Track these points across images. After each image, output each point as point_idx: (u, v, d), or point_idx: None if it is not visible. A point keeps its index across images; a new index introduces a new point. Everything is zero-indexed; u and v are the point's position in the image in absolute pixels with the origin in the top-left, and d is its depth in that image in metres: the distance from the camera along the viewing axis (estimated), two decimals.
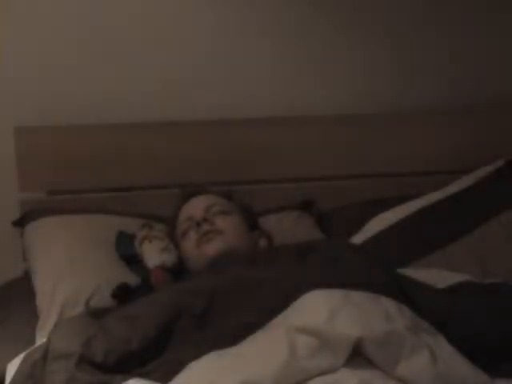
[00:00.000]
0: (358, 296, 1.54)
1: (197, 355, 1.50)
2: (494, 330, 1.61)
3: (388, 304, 1.54)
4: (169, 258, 2.00)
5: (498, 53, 2.64)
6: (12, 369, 1.63)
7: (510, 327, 1.62)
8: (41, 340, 1.74)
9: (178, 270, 2.00)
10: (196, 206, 2.04)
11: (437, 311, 1.60)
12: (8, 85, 2.29)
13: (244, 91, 2.46)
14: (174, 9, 2.38)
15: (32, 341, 1.80)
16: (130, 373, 1.51)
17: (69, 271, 1.97)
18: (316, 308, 1.50)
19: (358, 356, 1.44)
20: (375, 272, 1.70)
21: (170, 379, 1.47)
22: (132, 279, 1.97)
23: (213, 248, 1.93)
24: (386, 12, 2.53)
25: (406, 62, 2.58)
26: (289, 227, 2.27)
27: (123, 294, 1.89)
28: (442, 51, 2.59)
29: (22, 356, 1.65)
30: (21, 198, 2.29)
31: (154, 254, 2.00)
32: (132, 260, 2.04)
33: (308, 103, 2.51)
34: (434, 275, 1.89)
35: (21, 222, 2.22)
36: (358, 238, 2.21)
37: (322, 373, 1.40)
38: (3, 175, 2.32)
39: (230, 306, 1.61)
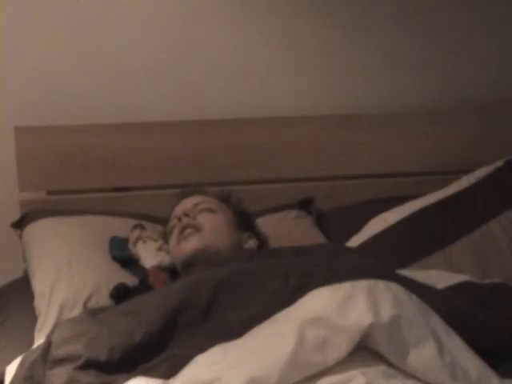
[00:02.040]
0: (366, 283, 1.53)
1: (202, 349, 1.49)
2: (493, 330, 1.61)
3: (397, 290, 1.53)
4: (165, 258, 2.00)
5: (498, 53, 2.65)
6: (10, 372, 1.63)
7: (510, 327, 1.62)
8: (39, 341, 1.73)
9: (175, 270, 2.00)
10: (183, 205, 2.06)
11: (437, 311, 1.59)
12: (8, 85, 2.29)
13: (244, 92, 2.46)
14: (170, 9, 2.38)
15: (31, 342, 1.80)
16: (135, 368, 1.50)
17: (67, 272, 1.97)
18: (325, 301, 1.49)
19: (363, 351, 1.43)
20: (377, 268, 1.70)
21: (175, 373, 1.46)
22: (130, 280, 1.97)
23: (189, 245, 1.94)
24: (385, 12, 2.53)
25: (406, 62, 2.58)
26: (288, 227, 2.27)
27: (121, 295, 1.89)
28: (442, 51, 2.59)
29: (19, 359, 1.64)
30: (21, 198, 2.29)
31: (150, 254, 2.01)
32: (127, 262, 2.04)
33: (308, 103, 2.52)
34: (434, 276, 1.89)
35: (20, 224, 2.22)
36: (357, 239, 2.21)
37: (330, 366, 1.39)
38: (3, 175, 2.32)
39: (235, 298, 1.60)
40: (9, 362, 1.67)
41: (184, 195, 2.11)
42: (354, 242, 2.21)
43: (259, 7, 2.43)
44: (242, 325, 1.53)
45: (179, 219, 1.99)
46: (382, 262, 1.80)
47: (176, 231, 1.98)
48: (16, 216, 2.26)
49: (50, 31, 2.30)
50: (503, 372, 1.51)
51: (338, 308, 1.45)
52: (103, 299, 1.91)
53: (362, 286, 1.51)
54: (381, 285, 1.53)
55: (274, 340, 1.43)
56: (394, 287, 1.54)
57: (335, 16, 2.49)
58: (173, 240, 2.00)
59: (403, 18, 2.55)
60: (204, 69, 2.43)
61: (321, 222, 2.38)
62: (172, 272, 1.99)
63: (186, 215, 1.99)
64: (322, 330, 1.42)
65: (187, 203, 2.05)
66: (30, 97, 2.32)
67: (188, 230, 1.96)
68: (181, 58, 2.41)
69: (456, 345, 1.47)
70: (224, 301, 1.61)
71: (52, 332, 1.64)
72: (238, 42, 2.44)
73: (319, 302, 1.50)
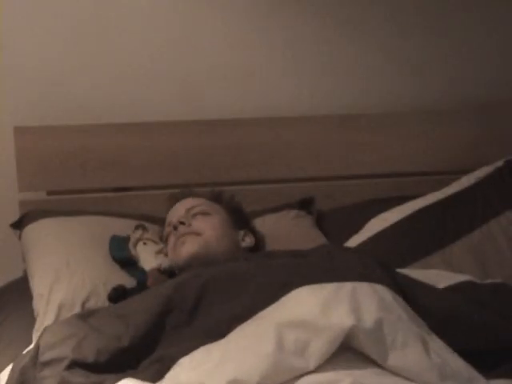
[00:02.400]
0: (351, 285, 1.52)
1: (187, 350, 1.49)
2: (493, 331, 1.61)
3: (383, 292, 1.53)
4: (165, 261, 2.00)
5: (498, 53, 2.65)
6: (2, 379, 1.62)
7: (510, 327, 1.62)
8: None
9: (174, 273, 2.00)
10: (176, 212, 2.05)
11: (437, 311, 1.59)
12: (8, 85, 2.29)
13: (244, 92, 2.46)
14: (170, 9, 2.38)
15: (29, 343, 1.77)
16: (123, 371, 1.50)
17: (66, 273, 1.96)
18: (307, 301, 1.49)
19: (348, 351, 1.43)
20: (373, 268, 1.70)
21: (162, 377, 1.47)
22: (129, 281, 1.97)
23: (186, 250, 1.93)
24: (385, 12, 2.53)
25: (406, 62, 2.58)
26: (287, 227, 2.27)
27: (119, 296, 1.88)
28: (442, 51, 2.59)
29: (11, 366, 1.63)
30: (20, 198, 2.29)
31: (150, 257, 2.01)
32: (126, 262, 2.04)
33: (308, 103, 2.51)
34: (434, 276, 1.89)
35: (19, 224, 2.22)
36: (357, 239, 2.21)
37: (312, 368, 1.39)
38: (3, 175, 2.32)
39: (221, 298, 1.61)
40: (8, 361, 1.67)
41: (175, 199, 2.10)
42: (354, 241, 2.21)
43: (259, 7, 2.43)
44: (226, 324, 1.53)
45: (174, 228, 1.98)
46: (381, 261, 1.80)
47: (173, 239, 1.98)
48: (15, 216, 2.26)
49: (50, 31, 2.30)
50: (503, 372, 1.51)
51: (319, 309, 1.45)
52: (101, 300, 1.90)
53: (346, 288, 1.51)
54: (366, 287, 1.52)
55: (254, 341, 1.43)
56: (380, 289, 1.53)
57: (335, 16, 2.49)
58: (170, 247, 1.99)
59: (403, 18, 2.54)
60: (204, 69, 2.43)
61: (321, 222, 2.37)
62: (171, 275, 1.98)
63: (182, 223, 1.98)
64: (302, 333, 1.42)
65: (180, 209, 2.04)
66: (29, 97, 2.32)
67: (185, 236, 1.96)
68: (181, 58, 2.41)
69: (442, 347, 1.47)
70: (210, 300, 1.62)
71: (41, 336, 1.63)
72: (238, 42, 2.44)
73: (301, 301, 1.51)
